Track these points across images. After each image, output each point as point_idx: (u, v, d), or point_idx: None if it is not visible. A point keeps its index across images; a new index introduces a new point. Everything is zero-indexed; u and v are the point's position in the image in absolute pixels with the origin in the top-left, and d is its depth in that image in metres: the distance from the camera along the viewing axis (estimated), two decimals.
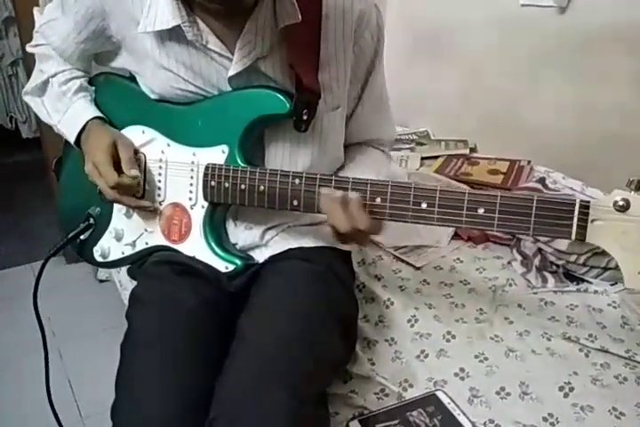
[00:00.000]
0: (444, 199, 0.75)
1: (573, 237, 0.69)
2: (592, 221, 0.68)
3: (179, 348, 0.81)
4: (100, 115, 0.98)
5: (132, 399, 0.77)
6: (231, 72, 0.86)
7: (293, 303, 0.85)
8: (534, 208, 0.70)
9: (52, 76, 1.01)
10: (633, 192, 0.66)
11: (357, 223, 0.77)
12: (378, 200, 0.78)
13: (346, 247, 0.98)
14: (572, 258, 1.23)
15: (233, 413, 0.72)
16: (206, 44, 0.85)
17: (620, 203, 0.67)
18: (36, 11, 1.08)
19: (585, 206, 0.68)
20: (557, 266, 1.26)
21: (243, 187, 0.86)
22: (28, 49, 1.05)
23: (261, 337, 0.80)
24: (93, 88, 1.03)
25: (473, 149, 1.82)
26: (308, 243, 0.96)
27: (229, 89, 0.88)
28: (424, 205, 0.76)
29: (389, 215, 0.78)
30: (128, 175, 0.89)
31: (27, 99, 1.06)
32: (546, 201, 0.70)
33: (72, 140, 0.97)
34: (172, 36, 0.86)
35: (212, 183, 0.89)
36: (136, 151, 0.96)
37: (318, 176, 0.82)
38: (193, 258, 0.93)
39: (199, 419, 0.74)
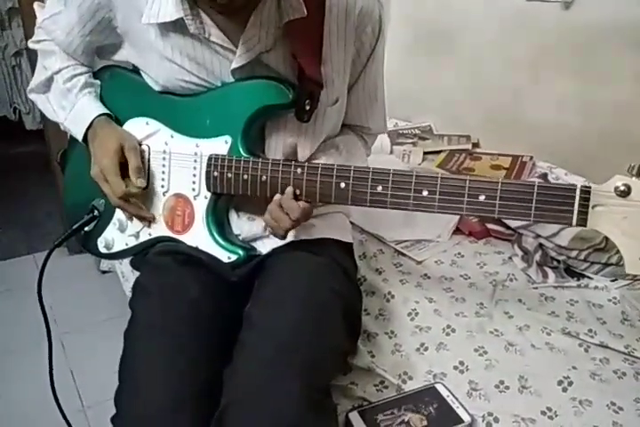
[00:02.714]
0: (445, 186, 0.75)
1: (574, 222, 0.69)
2: (593, 206, 0.68)
3: (181, 336, 0.82)
4: (106, 111, 0.98)
5: (134, 387, 0.78)
6: (234, 65, 0.86)
7: (302, 294, 0.85)
8: (535, 194, 0.70)
9: (56, 73, 1.00)
10: (634, 177, 0.66)
11: (291, 213, 0.83)
12: (379, 188, 0.79)
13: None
14: (573, 254, 1.23)
15: (247, 400, 0.72)
16: (209, 37, 0.85)
17: (622, 188, 0.66)
18: (36, 5, 1.06)
19: (586, 192, 0.68)
20: (558, 261, 1.26)
21: (245, 177, 0.87)
22: (30, 45, 1.05)
23: (273, 326, 0.80)
24: (99, 82, 1.03)
25: (476, 145, 1.81)
26: (311, 235, 0.96)
27: (232, 80, 0.88)
28: (425, 193, 0.76)
29: (391, 203, 0.79)
30: (134, 184, 0.91)
31: (32, 97, 1.05)
32: (547, 187, 0.70)
33: (80, 137, 0.97)
34: (175, 28, 0.86)
35: (215, 174, 0.89)
36: (140, 143, 0.96)
37: (320, 165, 0.82)
38: (196, 248, 0.93)
39: (201, 405, 0.75)
